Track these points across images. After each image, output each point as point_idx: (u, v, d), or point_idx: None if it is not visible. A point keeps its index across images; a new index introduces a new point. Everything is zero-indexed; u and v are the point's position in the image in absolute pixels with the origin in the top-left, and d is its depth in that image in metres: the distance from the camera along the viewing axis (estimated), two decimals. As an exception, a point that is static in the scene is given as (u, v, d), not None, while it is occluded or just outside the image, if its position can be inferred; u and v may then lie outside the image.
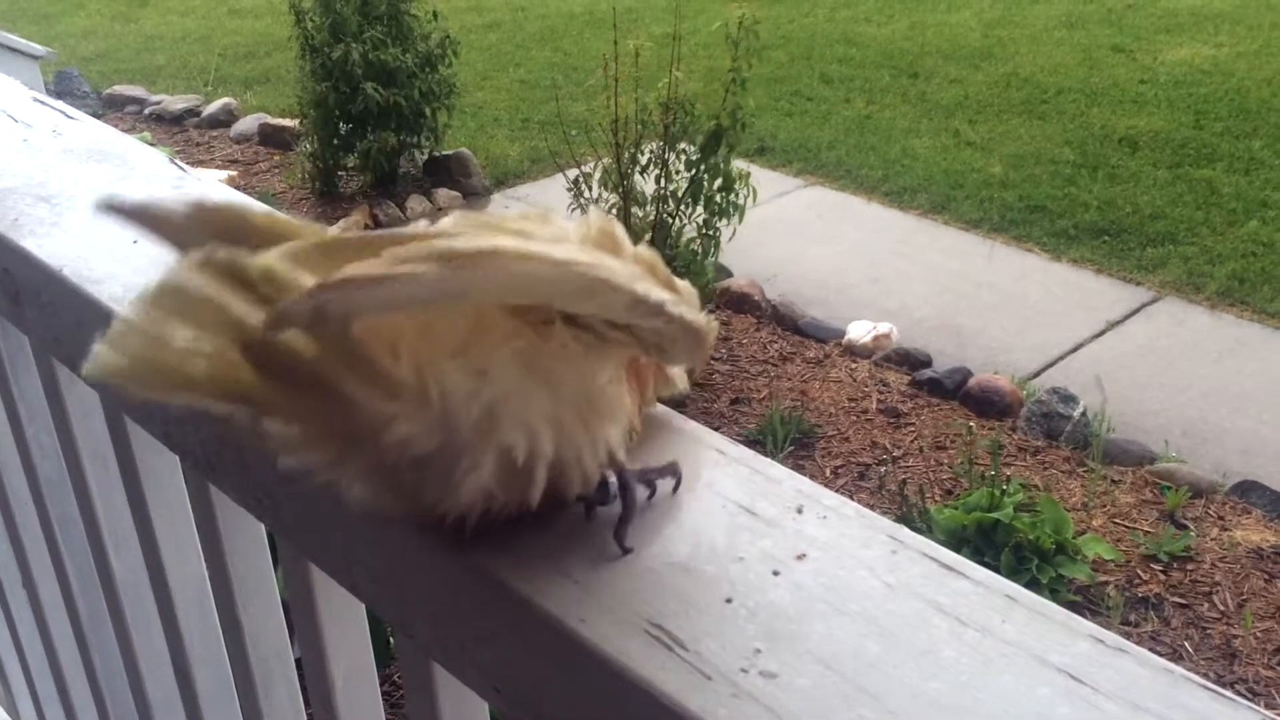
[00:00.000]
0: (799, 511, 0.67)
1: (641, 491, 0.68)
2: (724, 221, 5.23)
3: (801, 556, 0.64)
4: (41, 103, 1.25)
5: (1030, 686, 0.55)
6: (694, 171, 5.13)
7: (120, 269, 0.94)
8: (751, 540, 0.65)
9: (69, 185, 1.08)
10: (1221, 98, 8.00)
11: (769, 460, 0.71)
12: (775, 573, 0.63)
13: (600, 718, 0.62)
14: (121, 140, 1.16)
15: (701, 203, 5.18)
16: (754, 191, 5.24)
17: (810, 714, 0.54)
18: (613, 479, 0.67)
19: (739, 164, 5.32)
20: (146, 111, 8.63)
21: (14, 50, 7.29)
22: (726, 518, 0.67)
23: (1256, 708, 0.53)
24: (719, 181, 5.14)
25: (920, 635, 0.58)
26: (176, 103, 8.65)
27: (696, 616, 0.60)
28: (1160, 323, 5.67)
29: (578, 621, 0.61)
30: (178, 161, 1.10)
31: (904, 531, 0.65)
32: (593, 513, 0.67)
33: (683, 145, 5.20)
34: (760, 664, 0.57)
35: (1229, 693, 0.54)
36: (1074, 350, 5.46)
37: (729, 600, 0.61)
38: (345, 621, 0.93)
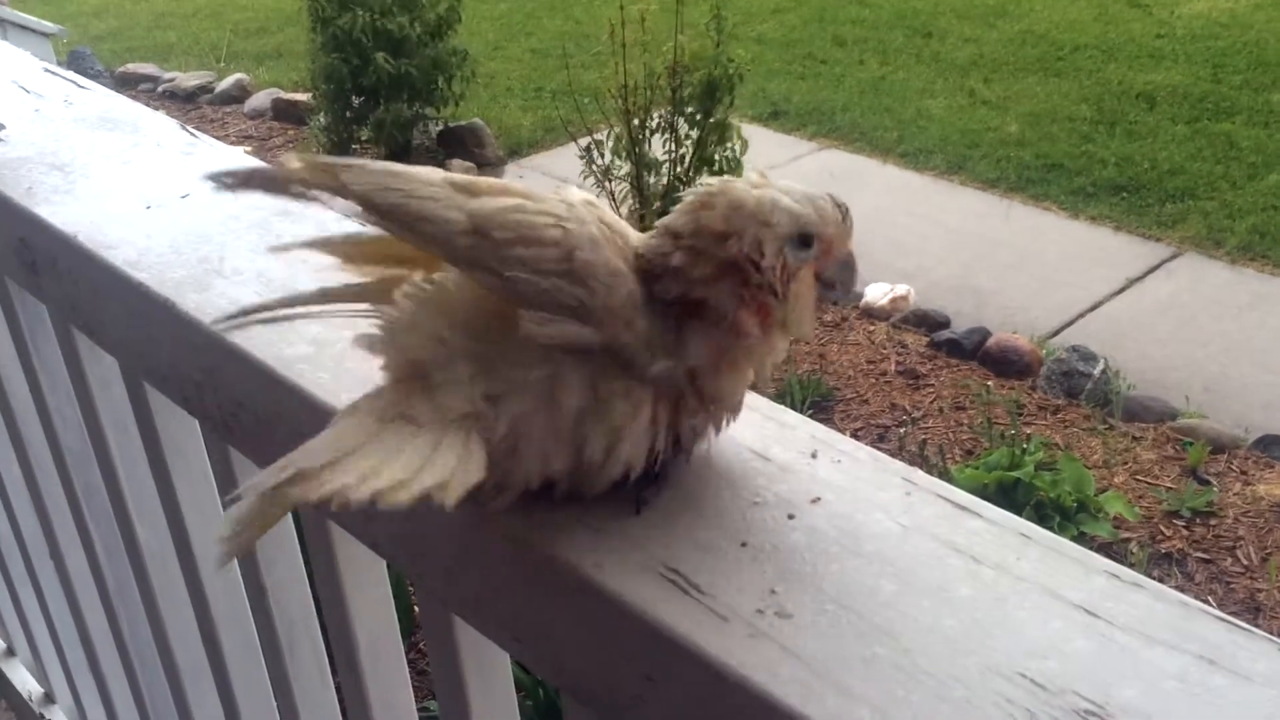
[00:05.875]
0: (813, 456, 0.67)
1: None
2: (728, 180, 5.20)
3: (816, 500, 0.64)
4: (52, 73, 1.26)
5: (1045, 621, 0.55)
6: (699, 132, 5.10)
7: (133, 233, 0.94)
8: (767, 485, 0.65)
9: (81, 153, 1.09)
10: (1240, 50, 7.91)
11: (782, 407, 0.71)
12: (790, 516, 0.63)
13: (618, 663, 0.62)
14: (132, 108, 1.16)
15: (706, 164, 5.15)
16: (744, 142, 5.19)
17: (826, 652, 0.55)
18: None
19: (749, 128, 5.29)
20: (160, 89, 8.63)
21: (26, 29, 7.29)
22: (741, 463, 0.67)
23: (1273, 638, 0.53)
24: (719, 138, 5.11)
25: (935, 574, 0.58)
26: (189, 80, 8.65)
27: (712, 560, 0.61)
28: (1180, 279, 5.63)
29: (594, 568, 0.61)
30: (188, 128, 1.10)
31: (918, 474, 0.65)
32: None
33: (690, 109, 5.17)
34: (776, 605, 0.58)
35: (1244, 623, 0.54)
36: (1093, 308, 5.43)
37: (744, 544, 0.62)
38: (367, 580, 0.94)
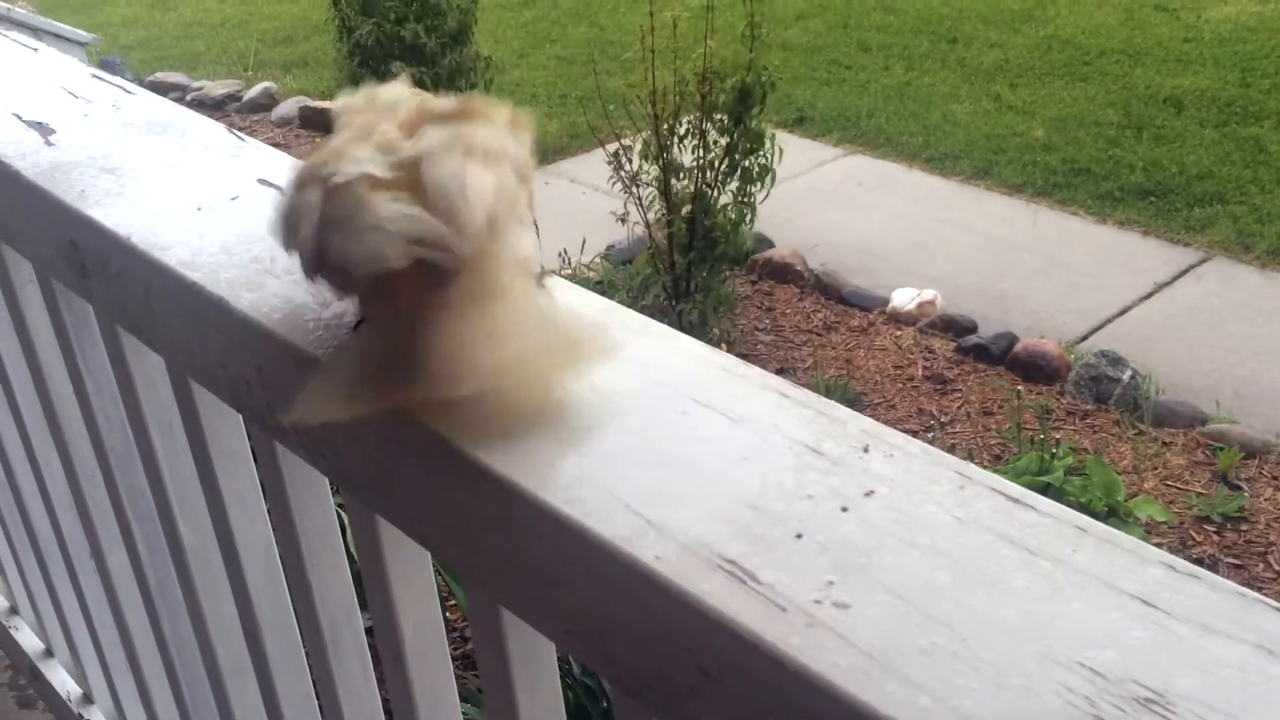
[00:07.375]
0: (865, 450, 0.68)
1: None
2: (757, 186, 5.20)
3: (870, 493, 0.64)
4: (99, 78, 1.28)
5: (1102, 611, 0.55)
6: (729, 138, 5.10)
7: (185, 235, 0.95)
8: (819, 479, 0.66)
9: (131, 157, 1.10)
10: (1268, 54, 7.86)
11: (832, 402, 0.72)
12: (844, 509, 0.64)
13: (674, 655, 0.63)
14: (179, 112, 1.18)
15: (737, 170, 5.15)
16: (780, 151, 5.19)
17: (884, 641, 0.55)
18: None
19: (777, 133, 5.29)
20: (188, 98, 8.69)
21: (60, 37, 7.36)
22: (793, 458, 0.68)
23: (1330, 629, 0.54)
24: (750, 145, 5.11)
25: (990, 565, 0.59)
26: (217, 88, 8.71)
27: (768, 552, 0.61)
28: (1209, 283, 5.60)
29: (653, 559, 0.62)
30: (235, 131, 1.12)
31: (970, 467, 0.66)
32: None
33: (720, 115, 5.17)
34: (833, 595, 0.58)
35: (1302, 614, 0.54)
36: (1122, 313, 5.41)
37: (799, 536, 0.62)
38: (413, 574, 0.94)
